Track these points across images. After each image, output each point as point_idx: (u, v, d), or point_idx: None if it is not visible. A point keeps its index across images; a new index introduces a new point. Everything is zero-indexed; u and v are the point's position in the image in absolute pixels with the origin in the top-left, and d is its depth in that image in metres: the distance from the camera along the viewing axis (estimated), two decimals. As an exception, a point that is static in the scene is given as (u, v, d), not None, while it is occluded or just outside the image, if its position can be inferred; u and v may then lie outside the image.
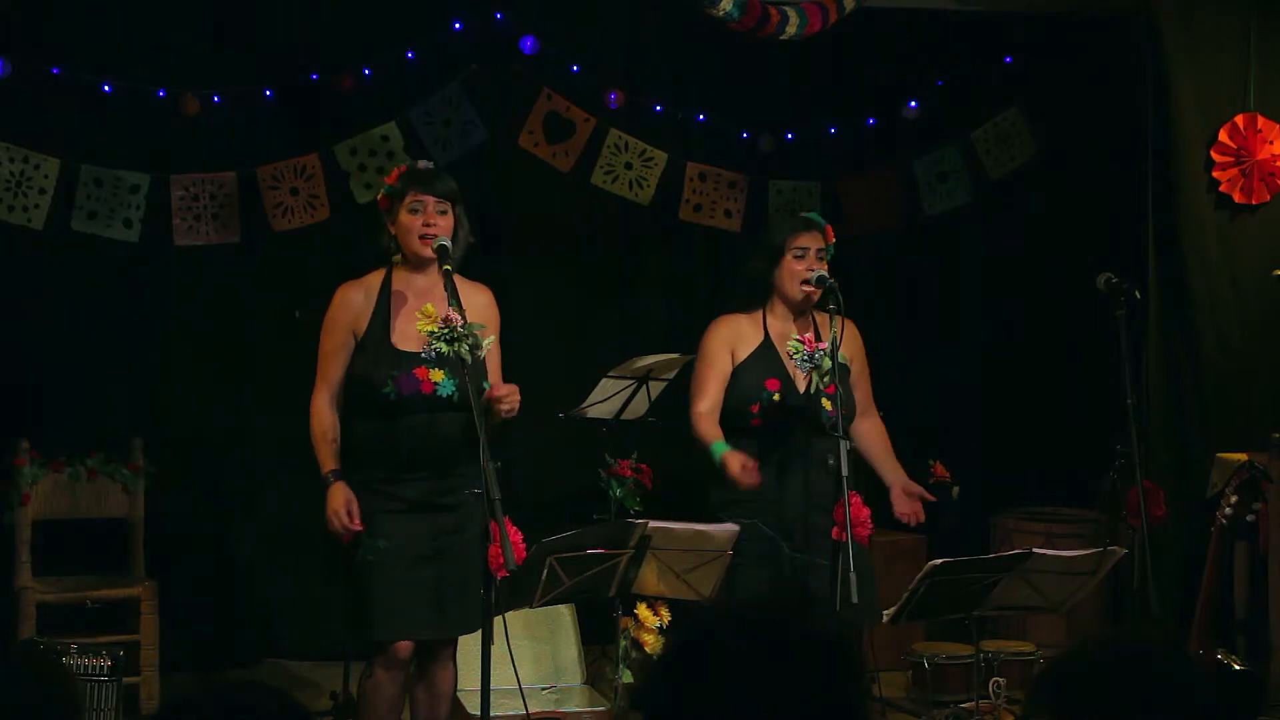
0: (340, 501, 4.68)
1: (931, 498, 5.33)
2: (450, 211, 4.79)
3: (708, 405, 5.27)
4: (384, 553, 4.68)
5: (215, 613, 6.81)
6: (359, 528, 4.68)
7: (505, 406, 4.71)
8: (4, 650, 2.49)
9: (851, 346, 5.35)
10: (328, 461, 4.75)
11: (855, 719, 1.90)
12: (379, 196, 4.87)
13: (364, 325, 4.77)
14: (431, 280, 4.81)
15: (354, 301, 4.79)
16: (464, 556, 4.74)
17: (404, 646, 4.75)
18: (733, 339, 5.28)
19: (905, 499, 5.27)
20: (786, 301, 5.26)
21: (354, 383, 4.76)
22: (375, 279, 4.84)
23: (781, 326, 5.27)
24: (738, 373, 5.25)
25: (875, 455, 5.42)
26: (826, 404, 5.04)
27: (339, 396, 4.80)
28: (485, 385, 4.73)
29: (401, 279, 4.82)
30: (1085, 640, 2.31)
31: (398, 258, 4.84)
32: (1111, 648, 2.19)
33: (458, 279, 4.76)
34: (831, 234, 5.32)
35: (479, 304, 4.80)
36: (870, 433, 5.42)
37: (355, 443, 4.77)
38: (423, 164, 4.91)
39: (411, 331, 4.74)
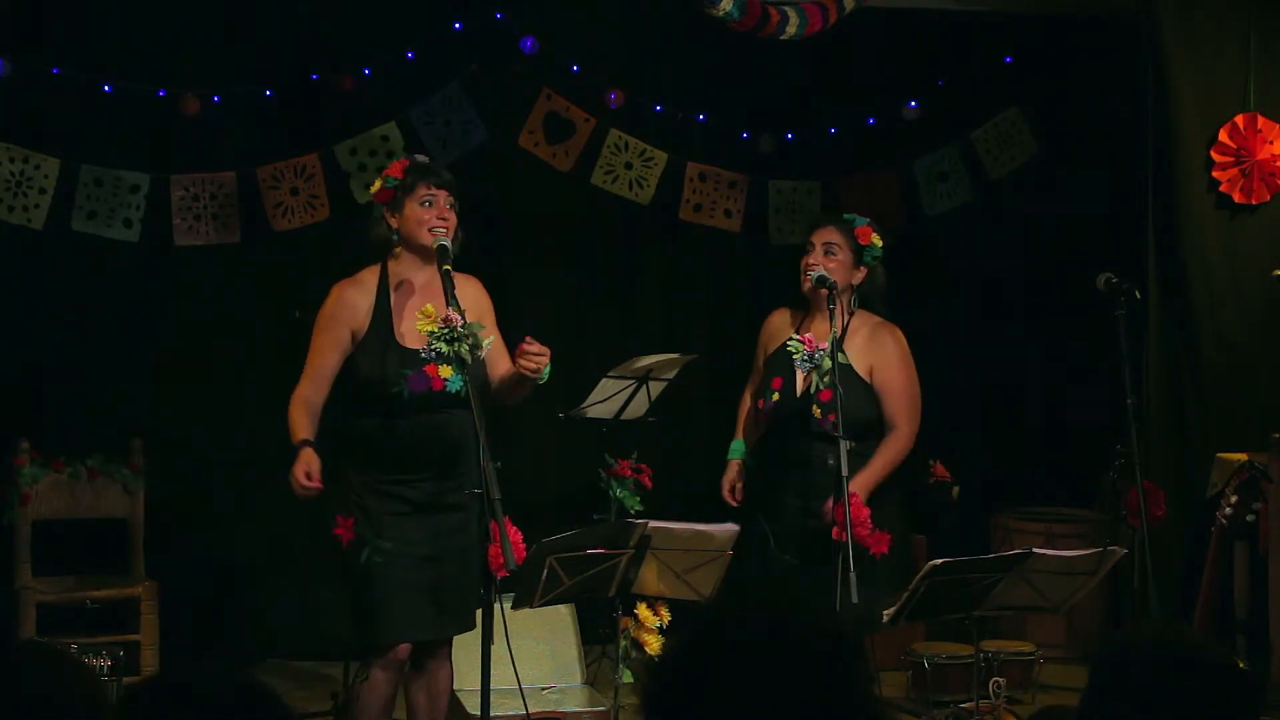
0: (302, 465, 4.62)
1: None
2: (455, 207, 4.79)
3: (753, 390, 5.52)
4: (390, 554, 4.68)
5: (215, 613, 6.80)
6: (318, 486, 4.62)
7: (527, 361, 4.63)
8: (22, 649, 2.48)
9: (877, 355, 5.29)
10: (298, 431, 4.68)
11: (865, 717, 1.90)
12: (378, 189, 4.81)
13: (365, 324, 4.73)
14: (430, 275, 4.78)
15: (354, 300, 4.75)
16: (466, 556, 4.74)
17: (405, 648, 4.75)
18: (769, 335, 5.45)
19: (832, 506, 5.05)
20: (809, 299, 5.30)
21: (360, 383, 4.72)
22: (370, 277, 4.80)
23: (811, 324, 5.29)
24: (764, 368, 5.39)
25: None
26: (816, 410, 5.05)
27: (322, 394, 4.75)
28: (492, 359, 4.73)
29: (399, 274, 4.79)
30: (1157, 631, 2.31)
31: (398, 250, 4.80)
32: (1180, 647, 2.20)
33: (459, 275, 4.78)
34: (865, 235, 5.29)
35: (472, 295, 4.78)
36: (884, 439, 5.30)
37: (362, 443, 4.74)
38: (420, 158, 4.89)
39: (417, 328, 4.73)
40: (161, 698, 2.00)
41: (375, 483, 4.71)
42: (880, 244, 5.31)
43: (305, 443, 4.67)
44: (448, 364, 4.67)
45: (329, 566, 4.94)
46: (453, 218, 4.75)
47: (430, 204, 4.73)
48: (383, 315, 4.74)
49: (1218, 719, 2.16)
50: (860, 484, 5.09)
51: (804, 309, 5.37)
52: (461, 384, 4.67)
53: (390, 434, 4.69)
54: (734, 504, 5.35)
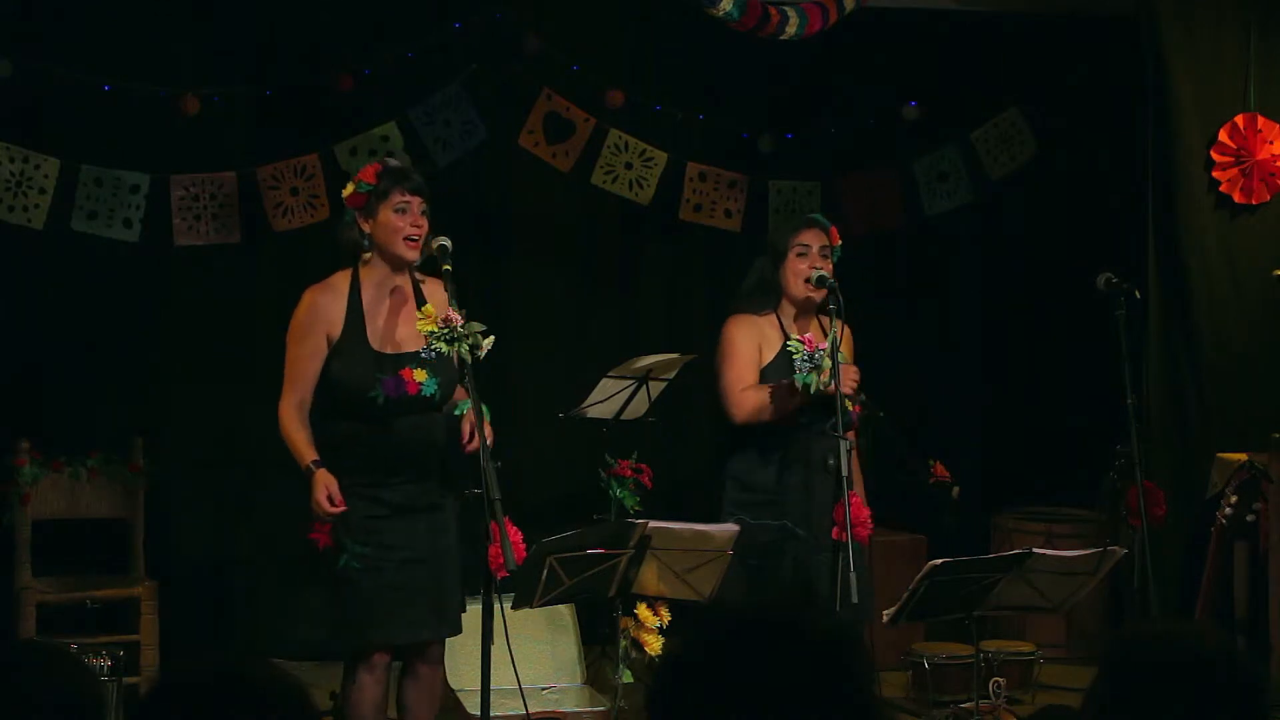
0: (322, 489, 4.58)
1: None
2: (426, 212, 4.76)
3: (743, 387, 5.23)
4: (368, 558, 4.66)
5: (215, 613, 6.81)
6: (342, 508, 4.59)
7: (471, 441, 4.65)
8: (23, 649, 2.48)
9: (848, 349, 5.36)
10: (306, 452, 4.65)
11: (866, 716, 1.90)
12: (350, 193, 4.77)
13: (339, 329, 4.70)
14: (401, 279, 4.78)
15: (326, 305, 4.72)
16: (447, 557, 4.76)
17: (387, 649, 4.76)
18: (758, 336, 5.28)
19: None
20: (794, 302, 5.27)
21: (335, 387, 4.70)
22: (342, 281, 4.76)
23: (798, 329, 5.27)
24: (764, 375, 5.24)
25: None
26: (850, 405, 5.04)
27: (308, 402, 4.71)
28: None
29: (371, 279, 4.76)
30: (1163, 630, 2.30)
31: (368, 256, 4.77)
32: (1191, 647, 2.19)
33: (424, 276, 4.80)
34: (837, 235, 5.32)
35: (440, 298, 4.74)
36: None
37: (339, 447, 4.70)
38: (393, 161, 4.86)
39: (391, 332, 4.72)
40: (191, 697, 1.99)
41: (352, 486, 4.66)
42: (841, 244, 5.33)
43: (316, 464, 4.63)
44: (424, 367, 4.67)
45: (306, 570, 4.86)
46: (424, 223, 4.73)
47: (404, 211, 4.70)
48: (355, 320, 4.72)
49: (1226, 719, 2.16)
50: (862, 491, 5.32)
51: (764, 313, 5.31)
52: (436, 389, 4.67)
53: (366, 438, 4.67)
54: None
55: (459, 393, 4.72)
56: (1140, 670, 2.18)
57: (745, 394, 5.17)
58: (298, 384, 4.71)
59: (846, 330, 5.32)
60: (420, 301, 4.75)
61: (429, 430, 4.74)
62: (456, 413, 4.67)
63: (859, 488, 5.35)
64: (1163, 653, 2.19)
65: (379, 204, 4.71)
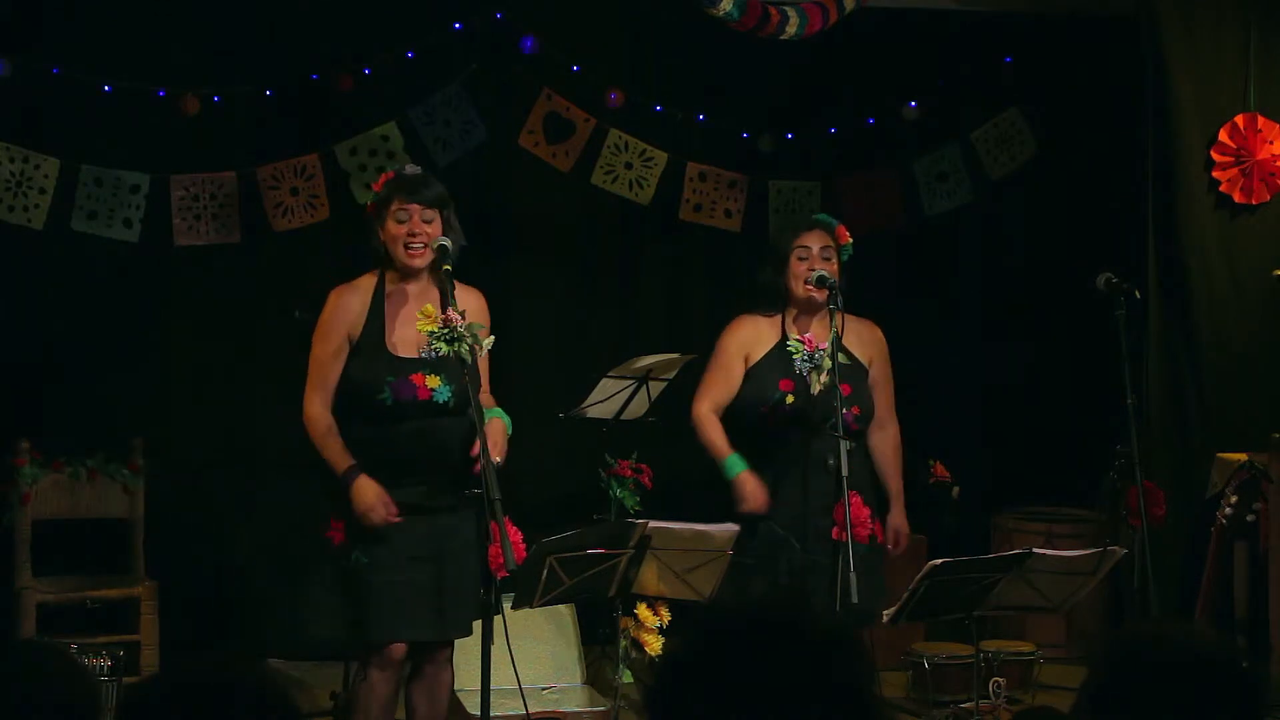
0: (373, 496, 4.60)
1: (897, 548, 5.42)
2: (438, 218, 4.75)
3: (710, 406, 5.30)
4: (377, 556, 4.67)
5: (215, 613, 6.80)
6: (397, 518, 4.62)
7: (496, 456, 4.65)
8: (18, 648, 2.49)
9: (873, 349, 5.37)
10: (342, 459, 4.66)
11: (866, 716, 1.90)
12: (369, 203, 4.85)
13: (359, 329, 4.73)
14: (423, 285, 4.79)
15: (350, 305, 4.75)
16: (461, 559, 4.74)
17: (398, 648, 4.74)
18: (750, 341, 5.28)
19: (894, 532, 5.37)
20: (797, 304, 5.27)
21: (349, 387, 4.72)
22: (368, 282, 4.80)
23: (799, 329, 5.27)
24: (752, 374, 5.26)
25: (882, 466, 5.43)
26: (843, 408, 5.05)
27: (331, 401, 4.75)
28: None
29: (395, 283, 4.79)
30: (1159, 631, 2.30)
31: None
32: (1190, 648, 2.19)
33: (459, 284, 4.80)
34: (845, 234, 5.32)
35: (472, 307, 4.76)
36: (883, 443, 5.43)
37: (350, 447, 4.71)
38: (410, 169, 4.87)
39: (408, 336, 4.73)
40: (173, 697, 2.00)
41: None
42: (851, 242, 5.33)
43: (355, 469, 4.64)
44: (438, 373, 4.67)
45: (310, 568, 4.88)
46: (428, 230, 4.72)
47: (404, 219, 4.72)
48: (376, 321, 4.74)
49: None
50: (901, 513, 5.37)
51: (770, 314, 5.31)
52: (450, 395, 4.67)
53: (378, 440, 4.67)
54: (755, 507, 5.15)
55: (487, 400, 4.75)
56: (1139, 670, 2.17)
57: (705, 420, 5.27)
58: (323, 383, 4.74)
59: (876, 333, 5.35)
60: (450, 299, 4.72)
61: (437, 434, 4.72)
62: (482, 351, 4.70)
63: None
64: (1162, 653, 2.19)
65: (384, 212, 4.75)
